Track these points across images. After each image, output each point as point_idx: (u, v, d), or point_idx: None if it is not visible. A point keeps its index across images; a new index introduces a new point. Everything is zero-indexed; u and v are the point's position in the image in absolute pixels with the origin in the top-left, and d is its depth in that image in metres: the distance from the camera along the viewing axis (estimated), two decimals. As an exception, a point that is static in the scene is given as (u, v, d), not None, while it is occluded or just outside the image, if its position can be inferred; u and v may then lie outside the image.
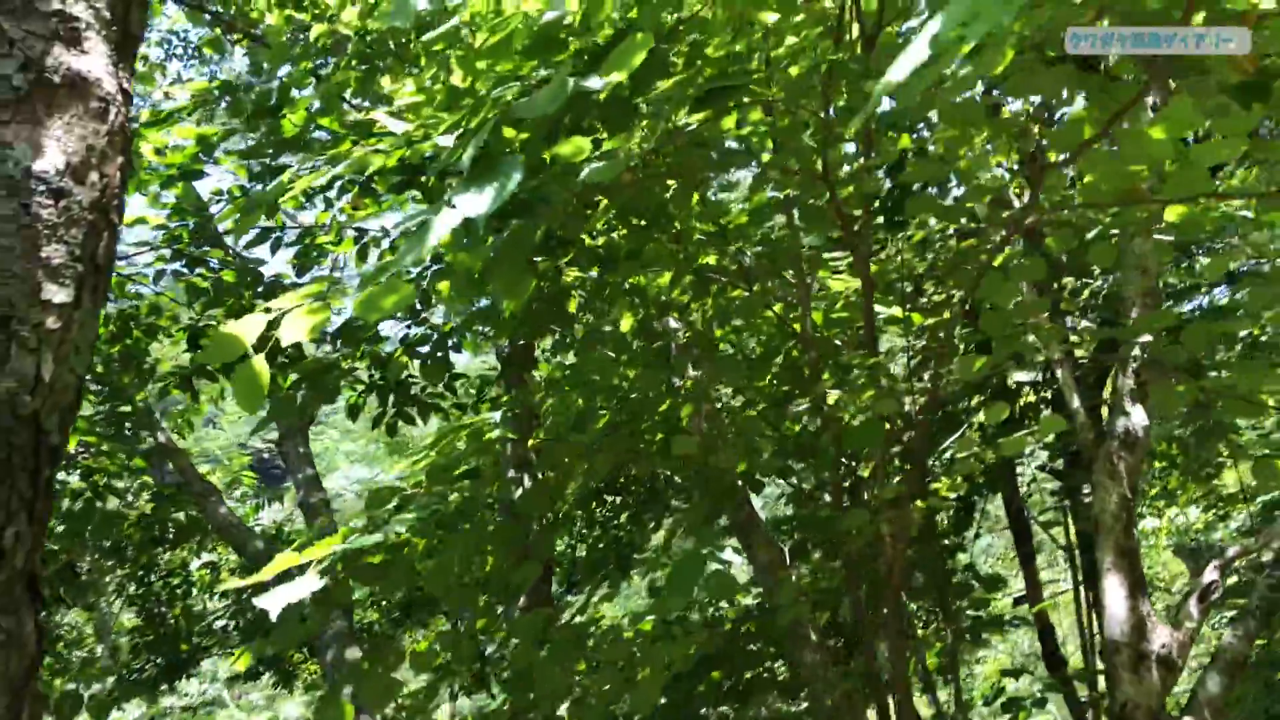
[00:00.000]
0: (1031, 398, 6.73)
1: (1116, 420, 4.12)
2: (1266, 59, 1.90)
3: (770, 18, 2.35)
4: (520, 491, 5.33)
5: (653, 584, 11.19)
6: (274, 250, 3.91)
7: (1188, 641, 3.82)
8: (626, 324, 5.05)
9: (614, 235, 4.28)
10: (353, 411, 4.72)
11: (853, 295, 4.56)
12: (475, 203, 1.91)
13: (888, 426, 3.13)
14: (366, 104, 4.49)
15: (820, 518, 3.80)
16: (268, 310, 2.18)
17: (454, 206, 1.97)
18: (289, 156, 3.73)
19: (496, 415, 3.01)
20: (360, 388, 4.55)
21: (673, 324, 5.14)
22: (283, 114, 3.43)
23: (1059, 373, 4.45)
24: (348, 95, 5.00)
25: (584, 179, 2.03)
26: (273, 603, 1.69)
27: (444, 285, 2.39)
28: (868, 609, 3.49)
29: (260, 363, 2.15)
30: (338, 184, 3.57)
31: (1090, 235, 2.52)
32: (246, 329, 2.19)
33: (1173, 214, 2.74)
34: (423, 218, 1.99)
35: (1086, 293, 5.46)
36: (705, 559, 2.15)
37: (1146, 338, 4.21)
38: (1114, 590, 3.92)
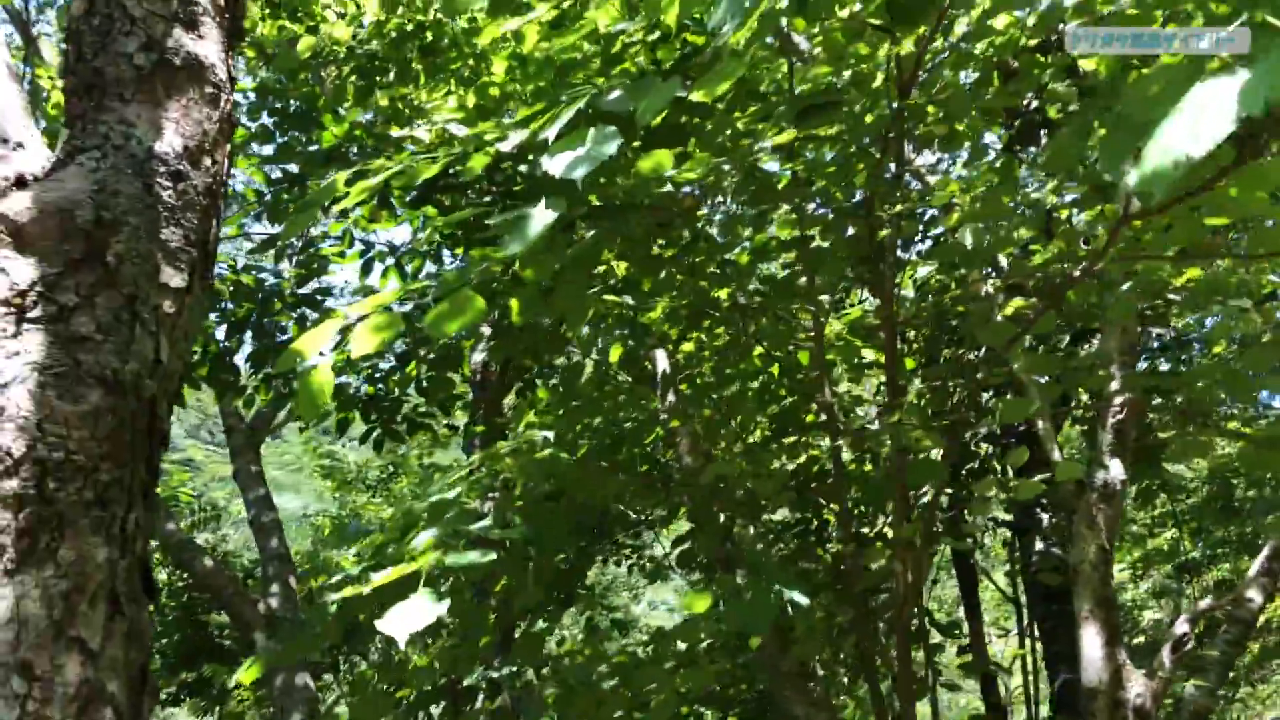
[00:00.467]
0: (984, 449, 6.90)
1: (1095, 473, 4.25)
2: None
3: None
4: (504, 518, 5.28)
5: (590, 620, 11.10)
6: (278, 259, 3.84)
7: (1161, 691, 3.93)
8: (614, 354, 5.06)
9: (611, 263, 4.30)
10: (341, 426, 4.63)
11: (838, 339, 4.66)
12: (568, 162, 1.78)
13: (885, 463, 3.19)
14: (368, 117, 4.45)
15: (829, 554, 3.83)
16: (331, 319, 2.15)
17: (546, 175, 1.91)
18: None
19: (549, 434, 2.98)
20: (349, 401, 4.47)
21: (660, 356, 5.17)
22: (322, 124, 3.38)
23: (1039, 423, 4.58)
24: (343, 110, 4.98)
25: (674, 176, 2.04)
26: (398, 629, 1.61)
27: (514, 301, 2.38)
28: (872, 647, 3.52)
29: (326, 371, 2.12)
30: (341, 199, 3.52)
31: (1125, 287, 2.62)
32: (317, 337, 2.15)
33: (1190, 274, 2.85)
34: (517, 213, 1.98)
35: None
36: (779, 595, 2.13)
37: (1125, 394, 4.39)
38: (1091, 638, 4.02)
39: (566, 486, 3.40)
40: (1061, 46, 2.97)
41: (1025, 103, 4.10)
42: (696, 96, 2.18)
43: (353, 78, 4.93)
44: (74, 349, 1.40)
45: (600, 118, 2.21)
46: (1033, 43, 3.18)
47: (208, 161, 1.71)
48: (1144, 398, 4.47)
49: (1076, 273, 2.37)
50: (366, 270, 4.12)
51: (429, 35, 4.87)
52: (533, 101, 3.45)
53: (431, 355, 4.08)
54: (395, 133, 3.62)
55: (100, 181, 1.52)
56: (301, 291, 4.11)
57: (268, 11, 5.66)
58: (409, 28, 4.74)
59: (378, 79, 4.92)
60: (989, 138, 5.38)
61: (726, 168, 2.19)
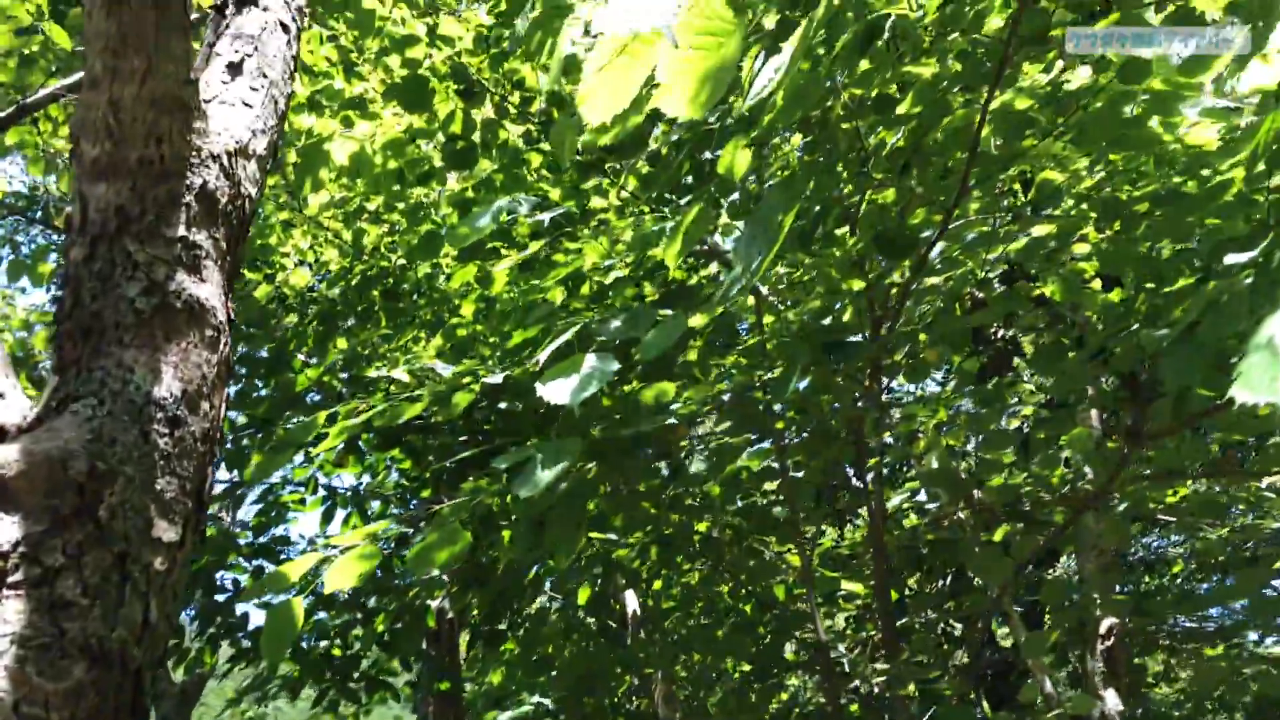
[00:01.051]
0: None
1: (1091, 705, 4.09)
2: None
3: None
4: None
5: None
6: (235, 507, 3.67)
7: None
8: (583, 597, 4.87)
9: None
10: (294, 688, 4.27)
11: (816, 572, 4.54)
12: (572, 388, 1.75)
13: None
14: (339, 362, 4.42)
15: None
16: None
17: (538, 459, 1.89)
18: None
19: (547, 702, 2.77)
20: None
21: (630, 597, 4.98)
22: (293, 368, 3.33)
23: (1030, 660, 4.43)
24: (302, 355, 4.95)
25: (678, 410, 2.00)
26: None
27: (506, 534, 2.26)
28: None
29: (298, 605, 1.98)
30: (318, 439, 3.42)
31: (1120, 508, 2.59)
32: (299, 566, 2.03)
33: (1182, 492, 2.85)
34: (524, 454, 1.91)
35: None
36: None
37: (1111, 620, 4.30)
38: None
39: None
40: (1026, 276, 3.08)
41: (994, 330, 4.22)
42: (694, 322, 2.19)
43: (314, 323, 4.92)
44: (58, 616, 1.25)
45: (591, 347, 2.19)
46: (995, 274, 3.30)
47: (205, 406, 1.62)
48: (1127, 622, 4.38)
49: (1047, 498, 2.33)
50: (328, 518, 3.95)
51: (391, 280, 4.93)
52: (501, 346, 3.45)
53: (394, 605, 3.85)
54: (373, 373, 3.57)
55: (95, 430, 1.41)
56: (259, 541, 3.89)
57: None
58: (372, 273, 4.80)
59: (339, 324, 4.93)
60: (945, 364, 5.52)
61: (726, 397, 2.16)
